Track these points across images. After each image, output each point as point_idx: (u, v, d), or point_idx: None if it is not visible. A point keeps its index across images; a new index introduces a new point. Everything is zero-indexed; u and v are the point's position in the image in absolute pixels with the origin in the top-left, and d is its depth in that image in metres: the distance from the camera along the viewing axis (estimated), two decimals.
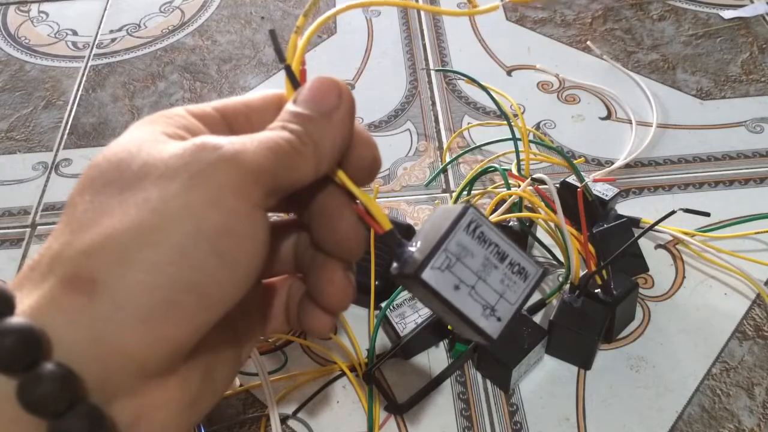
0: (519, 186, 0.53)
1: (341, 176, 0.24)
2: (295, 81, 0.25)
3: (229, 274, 0.21)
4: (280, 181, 0.22)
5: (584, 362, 0.49)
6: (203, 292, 0.20)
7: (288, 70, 0.25)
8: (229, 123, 0.25)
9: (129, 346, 0.20)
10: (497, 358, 0.47)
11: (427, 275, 0.25)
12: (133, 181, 0.21)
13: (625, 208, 0.59)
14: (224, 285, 0.21)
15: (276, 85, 0.26)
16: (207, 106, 0.25)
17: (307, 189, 0.24)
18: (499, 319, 0.26)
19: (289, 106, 0.24)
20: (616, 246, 0.49)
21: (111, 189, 0.21)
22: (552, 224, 0.54)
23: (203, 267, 0.20)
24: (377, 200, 0.61)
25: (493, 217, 0.53)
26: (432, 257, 0.25)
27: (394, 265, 0.27)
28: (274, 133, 0.22)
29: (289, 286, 0.28)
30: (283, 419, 0.48)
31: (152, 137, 0.22)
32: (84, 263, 0.20)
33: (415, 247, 0.26)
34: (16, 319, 0.19)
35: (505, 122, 0.59)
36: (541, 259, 0.56)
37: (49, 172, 0.68)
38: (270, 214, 0.23)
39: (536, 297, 0.53)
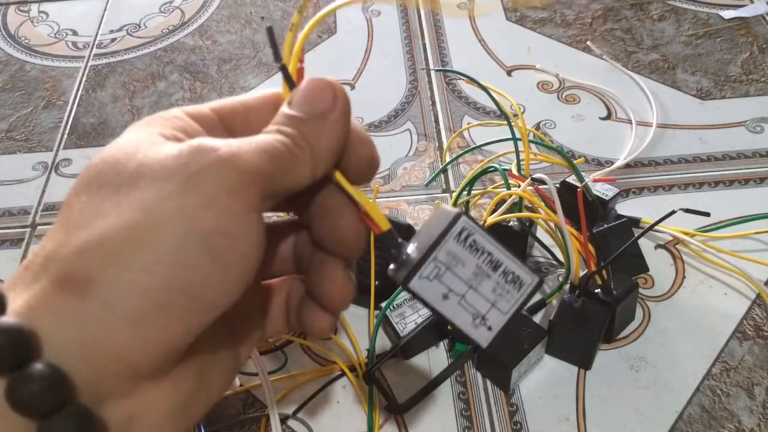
0: (519, 186, 0.53)
1: (338, 178, 0.24)
2: (291, 81, 0.24)
3: (222, 276, 0.21)
4: (277, 184, 0.22)
5: (584, 362, 0.49)
6: (195, 294, 0.20)
7: (283, 70, 0.24)
8: (227, 124, 0.25)
9: (119, 347, 0.20)
10: (497, 358, 0.47)
11: (415, 284, 0.25)
12: (128, 182, 0.21)
13: (625, 208, 0.59)
14: (217, 287, 0.21)
15: (277, 85, 0.25)
16: (204, 107, 0.25)
17: (306, 188, 0.23)
18: (489, 329, 0.26)
19: (284, 109, 0.24)
20: (616, 246, 0.49)
21: (107, 190, 0.21)
22: (552, 224, 0.54)
23: (195, 268, 0.20)
24: (377, 200, 0.61)
25: (493, 218, 0.53)
26: (420, 266, 0.25)
27: (391, 266, 0.27)
28: (270, 137, 0.22)
29: (288, 286, 0.28)
30: (283, 419, 0.48)
31: (149, 139, 0.22)
32: (77, 263, 0.20)
33: (412, 249, 0.26)
34: (6, 318, 0.19)
35: (505, 122, 0.59)
36: (541, 259, 0.56)
37: (49, 172, 0.68)
38: (270, 214, 0.23)
39: (536, 297, 0.53)
